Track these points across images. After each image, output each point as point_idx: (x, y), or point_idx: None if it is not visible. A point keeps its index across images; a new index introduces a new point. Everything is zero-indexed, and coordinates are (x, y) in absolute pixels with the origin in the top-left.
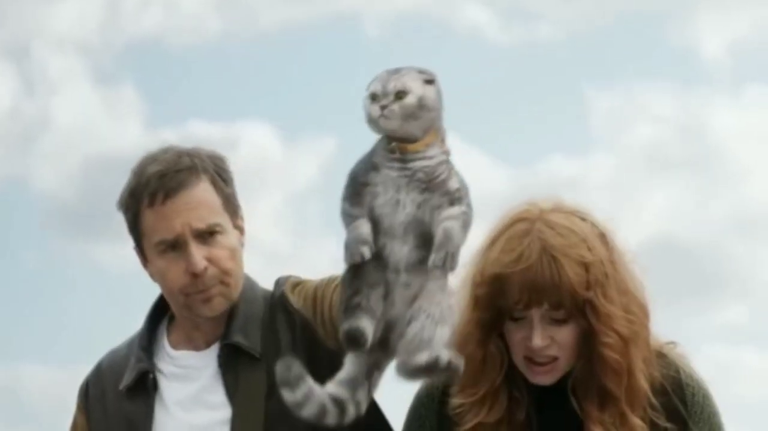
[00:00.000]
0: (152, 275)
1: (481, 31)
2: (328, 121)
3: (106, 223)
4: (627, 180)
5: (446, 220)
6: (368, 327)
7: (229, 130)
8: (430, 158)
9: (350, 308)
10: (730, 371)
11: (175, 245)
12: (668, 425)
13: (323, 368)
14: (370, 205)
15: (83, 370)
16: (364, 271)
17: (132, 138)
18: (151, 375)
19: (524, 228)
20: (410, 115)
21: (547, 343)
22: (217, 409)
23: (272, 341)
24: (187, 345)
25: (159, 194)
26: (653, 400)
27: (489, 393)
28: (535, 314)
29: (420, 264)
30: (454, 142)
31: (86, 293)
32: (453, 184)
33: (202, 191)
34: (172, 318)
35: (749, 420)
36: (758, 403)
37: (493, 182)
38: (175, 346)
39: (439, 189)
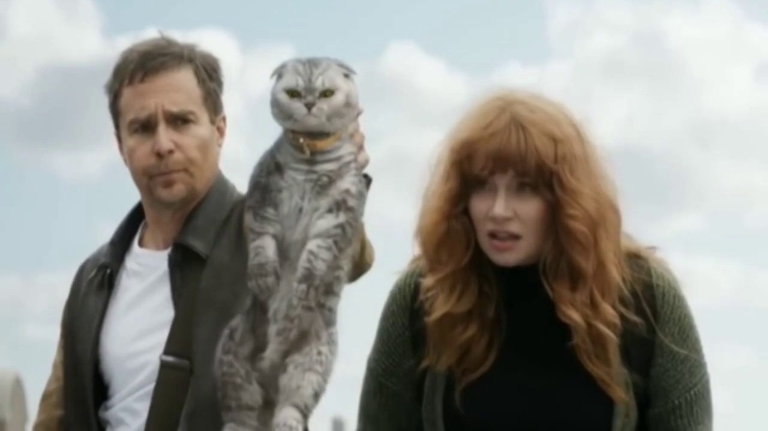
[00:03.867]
0: (125, 160)
1: None
2: (286, 28)
3: (61, 131)
4: (584, 88)
5: (315, 239)
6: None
7: (186, 38)
8: (337, 158)
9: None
10: (686, 278)
11: (147, 126)
12: (637, 319)
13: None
14: (279, 217)
15: (39, 277)
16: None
17: (89, 47)
18: (108, 271)
19: (498, 105)
20: (336, 113)
21: (510, 215)
22: (160, 311)
23: (220, 244)
24: (150, 244)
25: (138, 73)
26: (625, 292)
27: (457, 274)
28: (500, 181)
29: (306, 310)
30: (412, 49)
31: (42, 201)
32: (343, 184)
33: (183, 78)
34: None
35: (707, 327)
36: (717, 310)
37: (450, 88)
38: (142, 244)
39: (331, 194)
